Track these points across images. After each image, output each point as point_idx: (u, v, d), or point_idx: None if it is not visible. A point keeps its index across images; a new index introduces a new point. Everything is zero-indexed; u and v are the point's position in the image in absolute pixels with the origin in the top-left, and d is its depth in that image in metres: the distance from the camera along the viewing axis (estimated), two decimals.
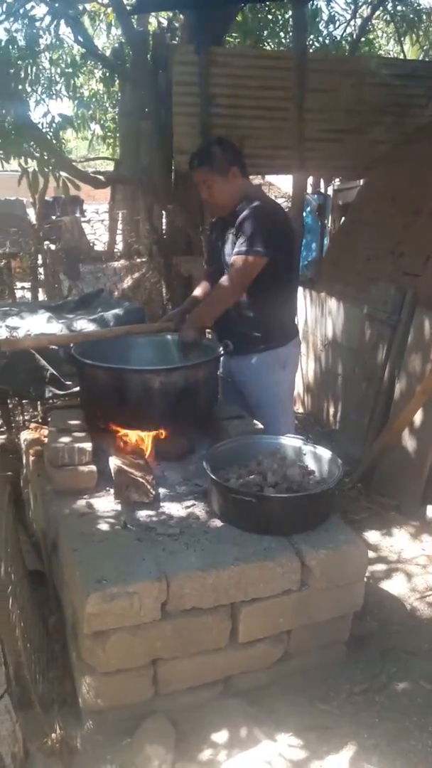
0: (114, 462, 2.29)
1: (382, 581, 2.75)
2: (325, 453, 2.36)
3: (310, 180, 9.42)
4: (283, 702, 2.06)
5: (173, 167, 5.66)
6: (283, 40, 8.73)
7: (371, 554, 2.91)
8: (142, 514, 2.17)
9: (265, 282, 2.62)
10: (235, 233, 2.63)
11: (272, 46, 8.67)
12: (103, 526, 2.08)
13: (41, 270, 8.09)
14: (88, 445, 2.31)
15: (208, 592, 1.89)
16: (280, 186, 15.19)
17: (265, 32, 8.21)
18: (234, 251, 2.60)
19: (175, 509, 2.21)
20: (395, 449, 3.45)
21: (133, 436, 2.48)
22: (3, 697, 1.46)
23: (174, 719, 1.95)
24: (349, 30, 9.59)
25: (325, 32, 9.10)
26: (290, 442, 2.48)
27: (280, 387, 2.84)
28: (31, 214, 10.41)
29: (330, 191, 9.12)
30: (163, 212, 6.27)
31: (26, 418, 3.85)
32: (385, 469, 3.55)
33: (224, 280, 2.64)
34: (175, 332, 2.79)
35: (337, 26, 9.67)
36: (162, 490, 2.32)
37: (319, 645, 2.18)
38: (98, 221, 12.44)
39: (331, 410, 4.58)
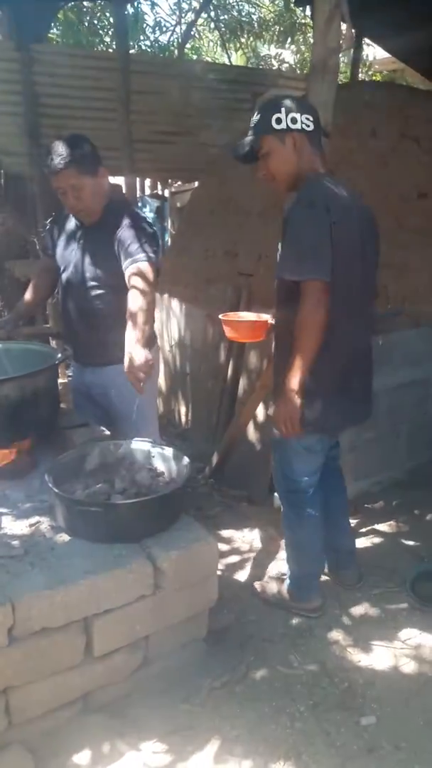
0: None
1: (237, 572, 2.82)
2: (173, 453, 2.36)
3: (148, 182, 9.44)
4: (146, 708, 2.04)
5: (1, 169, 5.41)
6: (108, 43, 8.69)
7: (226, 547, 2.98)
8: None
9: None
10: (119, 237, 2.42)
11: (100, 48, 8.58)
12: None
13: None
14: None
15: (57, 611, 1.81)
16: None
17: (87, 34, 8.10)
18: (131, 258, 2.37)
19: (18, 529, 2.10)
20: (242, 443, 3.55)
21: None
22: None
23: (32, 747, 1.86)
24: (175, 37, 9.77)
25: (152, 37, 9.21)
26: (138, 445, 2.45)
27: (145, 396, 2.75)
28: None
29: (167, 194, 9.20)
30: None
31: None
32: (234, 463, 3.65)
33: (144, 290, 2.32)
34: (7, 341, 2.64)
35: (164, 31, 9.81)
36: (3, 510, 2.20)
37: (178, 645, 2.17)
38: None
39: (183, 410, 4.62)
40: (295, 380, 2.06)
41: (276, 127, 2.12)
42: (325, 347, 2.08)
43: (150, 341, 2.42)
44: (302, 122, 2.12)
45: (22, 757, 1.81)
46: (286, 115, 2.11)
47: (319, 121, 2.19)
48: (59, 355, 2.58)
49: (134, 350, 2.20)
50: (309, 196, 2.07)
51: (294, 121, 2.11)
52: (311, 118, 2.14)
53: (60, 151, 2.34)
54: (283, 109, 2.11)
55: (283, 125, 2.11)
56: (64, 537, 2.06)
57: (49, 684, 1.86)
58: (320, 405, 2.19)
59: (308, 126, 2.13)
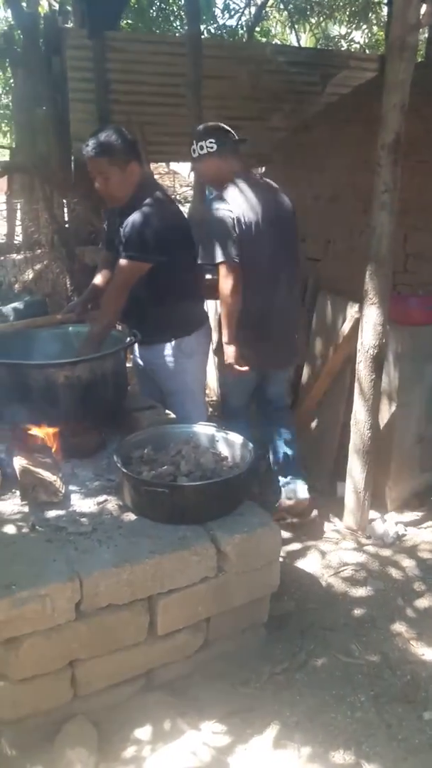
0: (19, 462, 2.20)
1: (298, 560, 2.80)
2: (237, 438, 2.37)
3: None
4: (205, 690, 2.06)
5: (72, 155, 5.51)
6: (179, 28, 8.68)
7: (286, 534, 2.96)
8: (52, 514, 2.09)
9: (163, 277, 2.60)
10: (123, 232, 2.57)
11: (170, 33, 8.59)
12: (10, 530, 2.00)
13: None
14: None
15: (123, 588, 1.85)
16: (185, 175, 15.11)
17: (160, 19, 8.13)
18: (121, 253, 2.57)
19: (86, 506, 2.16)
20: (305, 430, 3.52)
21: (38, 433, 2.39)
22: None
23: (96, 720, 1.91)
24: (244, 19, 9.67)
25: (221, 22, 9.16)
26: (203, 429, 2.47)
27: (187, 375, 2.83)
28: None
29: None
30: (64, 201, 6.09)
31: None
32: (296, 451, 3.61)
33: (108, 288, 2.64)
34: (77, 323, 2.71)
35: (232, 15, 9.73)
36: (72, 488, 2.26)
37: (239, 629, 2.19)
38: None
39: None
40: (225, 335, 2.77)
41: (194, 156, 2.84)
42: (242, 307, 2.76)
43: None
44: (206, 147, 2.77)
45: (87, 729, 1.87)
46: (196, 145, 2.80)
47: (228, 135, 2.82)
48: (128, 339, 2.62)
49: (82, 348, 2.55)
50: (218, 201, 2.78)
51: (201, 148, 2.78)
52: (213, 140, 2.77)
53: (96, 140, 2.54)
54: (194, 141, 2.81)
55: (196, 154, 2.82)
56: (131, 516, 2.10)
57: (113, 659, 1.91)
58: (241, 345, 2.80)
59: (212, 148, 2.77)
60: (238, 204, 2.73)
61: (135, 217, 2.53)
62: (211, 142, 2.77)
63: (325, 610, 2.48)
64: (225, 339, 2.78)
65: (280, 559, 2.24)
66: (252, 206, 2.76)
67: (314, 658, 2.23)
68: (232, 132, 2.85)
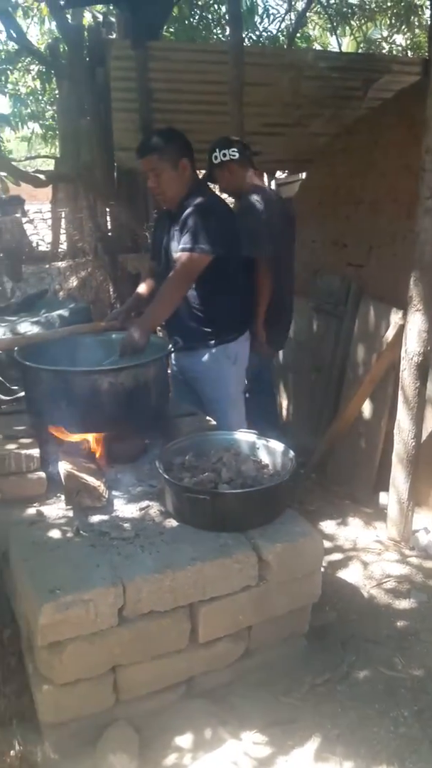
0: (63, 467, 2.23)
1: (340, 570, 2.77)
2: (278, 446, 2.35)
3: None
4: (246, 699, 2.05)
5: (115, 164, 5.59)
6: (219, 36, 8.72)
7: (327, 544, 2.94)
8: (95, 519, 2.12)
9: (214, 277, 2.60)
10: (179, 228, 2.59)
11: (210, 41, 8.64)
12: (55, 534, 2.03)
13: None
14: (35, 452, 2.25)
15: (165, 594, 1.86)
16: None
17: (201, 27, 8.18)
18: (179, 247, 2.56)
19: (129, 512, 2.17)
20: (346, 438, 3.48)
21: (83, 439, 2.42)
22: None
23: (137, 725, 1.92)
24: (284, 24, 9.67)
25: (261, 27, 9.16)
26: (244, 437, 2.46)
27: (230, 382, 2.83)
28: None
29: (274, 185, 9.15)
30: (107, 209, 6.18)
31: None
32: (337, 459, 3.59)
33: (168, 278, 2.59)
34: (120, 330, 2.74)
35: (272, 21, 9.73)
36: (115, 493, 2.28)
37: (279, 639, 2.17)
38: (41, 220, 12.20)
39: (284, 403, 4.60)
40: (259, 321, 3.20)
41: (215, 162, 3.21)
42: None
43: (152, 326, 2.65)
44: (229, 154, 3.18)
45: (129, 734, 1.88)
46: (219, 153, 3.18)
47: (246, 147, 3.28)
48: (170, 346, 2.64)
49: (131, 333, 2.48)
50: (251, 203, 3.19)
51: (224, 155, 3.18)
52: (236, 149, 3.19)
53: (149, 138, 2.65)
54: (217, 149, 3.19)
55: (218, 160, 3.20)
56: (173, 522, 2.11)
57: (154, 666, 1.92)
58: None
59: (234, 155, 3.18)
60: (266, 206, 3.17)
61: (195, 210, 2.53)
62: (234, 151, 3.16)
63: (366, 621, 2.44)
64: (259, 324, 3.18)
65: (322, 569, 2.22)
66: (273, 210, 3.20)
67: (356, 670, 2.20)
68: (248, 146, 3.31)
